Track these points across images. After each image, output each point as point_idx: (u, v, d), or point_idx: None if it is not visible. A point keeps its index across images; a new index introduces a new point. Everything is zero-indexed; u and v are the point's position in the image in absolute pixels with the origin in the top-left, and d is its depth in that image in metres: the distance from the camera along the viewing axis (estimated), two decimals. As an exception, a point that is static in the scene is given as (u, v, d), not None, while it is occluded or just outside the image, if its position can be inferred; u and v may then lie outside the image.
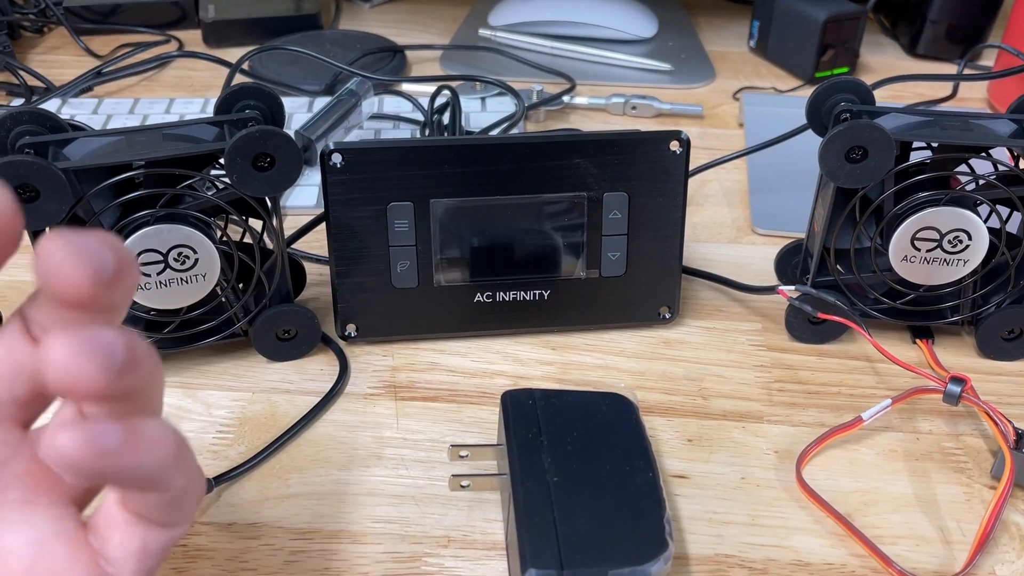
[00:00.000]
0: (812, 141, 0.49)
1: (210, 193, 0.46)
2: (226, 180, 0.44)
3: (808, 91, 0.81)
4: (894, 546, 0.40)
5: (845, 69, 0.84)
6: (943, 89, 0.82)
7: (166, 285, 0.45)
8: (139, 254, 0.44)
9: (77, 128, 0.45)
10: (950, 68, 0.88)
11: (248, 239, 0.47)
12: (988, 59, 0.89)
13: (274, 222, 0.46)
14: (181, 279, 0.45)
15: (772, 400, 0.48)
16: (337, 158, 0.46)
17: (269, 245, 0.48)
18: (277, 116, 0.47)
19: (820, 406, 0.48)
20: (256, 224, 0.47)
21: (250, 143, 0.43)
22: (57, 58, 0.87)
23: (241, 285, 0.48)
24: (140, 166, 0.43)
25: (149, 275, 0.44)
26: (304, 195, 0.64)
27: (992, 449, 0.45)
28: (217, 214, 0.46)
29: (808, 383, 0.49)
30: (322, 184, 0.47)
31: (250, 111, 0.46)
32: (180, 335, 0.48)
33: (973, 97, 0.82)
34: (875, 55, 0.91)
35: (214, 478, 0.42)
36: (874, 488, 0.43)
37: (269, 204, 0.46)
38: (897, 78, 0.68)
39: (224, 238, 0.46)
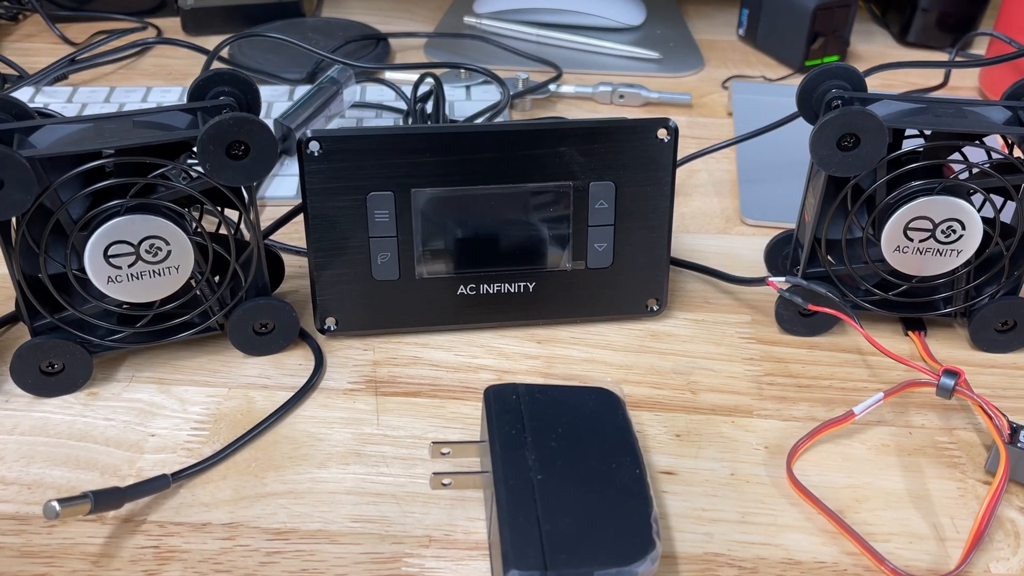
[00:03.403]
0: (802, 130, 0.48)
1: (183, 182, 0.44)
2: (200, 169, 0.43)
3: (798, 80, 0.80)
4: (887, 543, 0.39)
5: (835, 57, 0.83)
6: (935, 77, 0.81)
7: (138, 278, 0.43)
8: (109, 246, 0.42)
9: (46, 116, 0.44)
10: (941, 56, 0.87)
11: (223, 230, 0.45)
12: (979, 47, 0.88)
13: (250, 213, 0.45)
14: (153, 271, 0.43)
15: (762, 394, 0.47)
16: (315, 146, 0.45)
17: (246, 236, 0.47)
18: (253, 103, 0.46)
19: (811, 400, 0.47)
20: (232, 214, 0.45)
21: (223, 130, 0.42)
22: (32, 46, 0.85)
23: (217, 278, 0.47)
24: (110, 154, 0.42)
25: (120, 267, 0.43)
26: (283, 185, 0.63)
27: (986, 443, 0.44)
28: (191, 204, 0.45)
29: (799, 376, 0.48)
30: (300, 173, 0.45)
31: (224, 98, 0.45)
32: (153, 329, 0.46)
33: (964, 85, 0.81)
34: (865, 43, 0.89)
35: (172, 474, 0.40)
36: (866, 484, 0.42)
37: (245, 194, 0.45)
38: (888, 65, 0.67)
39: (198, 229, 0.45)
